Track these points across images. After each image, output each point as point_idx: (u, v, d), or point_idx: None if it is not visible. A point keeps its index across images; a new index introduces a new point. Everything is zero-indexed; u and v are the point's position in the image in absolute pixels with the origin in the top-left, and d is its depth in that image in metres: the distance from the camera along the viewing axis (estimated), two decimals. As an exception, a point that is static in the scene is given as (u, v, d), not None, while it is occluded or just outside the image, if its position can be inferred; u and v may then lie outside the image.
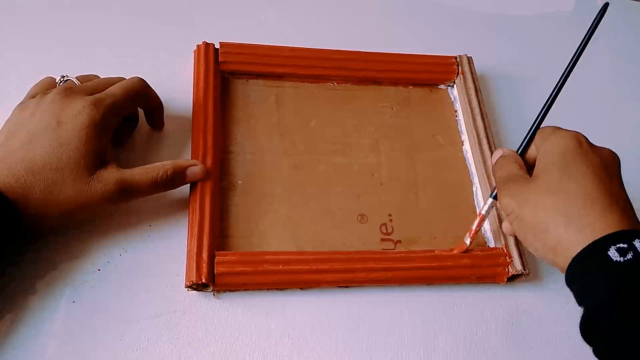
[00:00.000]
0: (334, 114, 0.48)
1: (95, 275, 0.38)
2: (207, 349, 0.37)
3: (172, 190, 0.41)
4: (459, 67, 0.51)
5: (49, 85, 0.40)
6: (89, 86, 0.40)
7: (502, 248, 0.42)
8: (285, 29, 0.54)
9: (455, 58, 0.51)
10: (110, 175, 0.37)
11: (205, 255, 0.37)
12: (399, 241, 0.43)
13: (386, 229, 0.43)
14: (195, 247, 0.38)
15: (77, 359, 0.35)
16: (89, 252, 0.39)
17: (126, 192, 0.37)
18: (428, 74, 0.51)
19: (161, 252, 0.40)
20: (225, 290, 0.39)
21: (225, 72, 0.47)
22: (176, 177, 0.39)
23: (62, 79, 0.41)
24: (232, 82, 0.48)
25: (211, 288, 0.38)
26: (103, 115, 0.37)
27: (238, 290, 0.39)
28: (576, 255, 0.30)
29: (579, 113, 0.56)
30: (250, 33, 0.52)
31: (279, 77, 0.48)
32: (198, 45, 0.47)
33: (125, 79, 0.42)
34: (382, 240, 0.43)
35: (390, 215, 0.44)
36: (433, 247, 0.42)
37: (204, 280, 0.37)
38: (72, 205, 0.35)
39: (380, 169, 0.46)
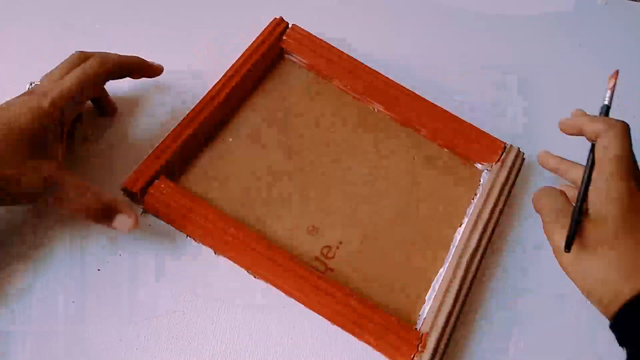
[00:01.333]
0: (358, 135, 0.48)
1: (95, 275, 0.38)
2: (206, 349, 0.38)
3: None
4: (503, 154, 0.47)
5: None
6: (47, 80, 0.39)
7: (422, 335, 0.38)
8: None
9: (505, 145, 0.48)
10: (46, 168, 0.35)
11: (151, 171, 0.40)
12: (331, 269, 0.41)
13: (328, 251, 0.42)
14: (152, 158, 0.40)
15: (77, 359, 0.36)
16: (89, 252, 0.39)
17: (50, 195, 0.35)
18: (469, 147, 0.47)
19: (161, 252, 0.40)
20: (153, 215, 0.41)
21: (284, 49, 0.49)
22: (103, 217, 0.37)
23: (30, 86, 0.40)
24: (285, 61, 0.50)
25: (141, 208, 0.40)
26: (51, 103, 0.36)
27: (163, 220, 0.41)
28: (627, 301, 0.31)
29: None
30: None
31: (329, 78, 0.49)
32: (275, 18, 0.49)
33: (75, 54, 0.40)
34: (316, 258, 0.42)
35: (341, 243, 0.43)
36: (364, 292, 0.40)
37: (134, 190, 0.39)
38: (6, 178, 0.34)
39: (368, 202, 0.45)
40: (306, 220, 0.43)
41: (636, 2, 0.67)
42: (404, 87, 0.49)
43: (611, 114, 0.54)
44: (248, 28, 0.49)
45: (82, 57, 0.40)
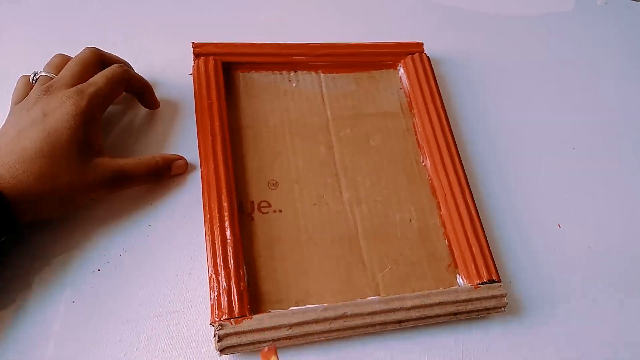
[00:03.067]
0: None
1: (95, 275, 0.39)
2: (207, 349, 0.37)
3: (172, 190, 0.43)
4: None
5: (26, 86, 0.41)
6: (66, 76, 0.39)
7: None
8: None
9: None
10: (106, 163, 0.38)
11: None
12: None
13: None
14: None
15: (77, 359, 0.36)
16: (89, 252, 0.39)
17: (121, 180, 0.39)
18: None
19: (161, 252, 0.40)
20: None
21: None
22: (167, 170, 0.42)
23: (34, 76, 0.41)
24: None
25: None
26: (88, 102, 0.38)
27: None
28: None
29: (580, 114, 0.56)
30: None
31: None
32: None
33: (90, 50, 0.42)
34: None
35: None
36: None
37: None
38: (68, 192, 0.36)
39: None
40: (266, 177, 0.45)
41: (636, 2, 0.67)
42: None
43: (613, 111, 0.54)
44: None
45: (98, 55, 0.42)
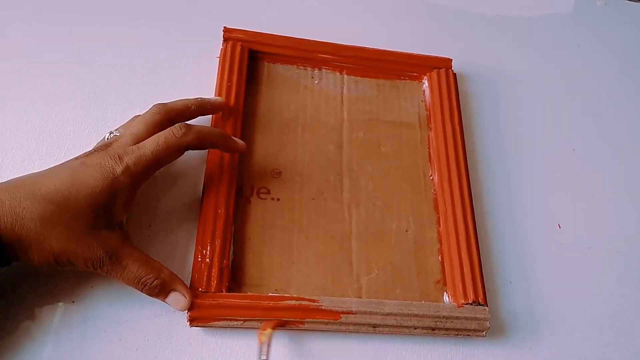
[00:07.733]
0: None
1: (95, 275, 0.37)
2: (207, 349, 0.38)
3: (173, 190, 0.42)
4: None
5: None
6: (127, 134, 0.38)
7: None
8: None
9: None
10: (108, 239, 0.34)
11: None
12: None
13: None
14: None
15: (76, 359, 0.36)
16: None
17: (108, 266, 0.35)
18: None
19: (161, 252, 0.40)
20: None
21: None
22: (161, 292, 0.36)
23: (110, 135, 0.39)
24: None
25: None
26: (125, 169, 0.35)
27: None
28: None
29: (579, 115, 0.56)
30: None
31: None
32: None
33: (156, 108, 0.40)
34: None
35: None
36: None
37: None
38: (52, 248, 0.32)
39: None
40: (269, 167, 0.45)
41: (635, 3, 0.68)
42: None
43: (613, 111, 0.57)
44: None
45: (164, 113, 0.40)
